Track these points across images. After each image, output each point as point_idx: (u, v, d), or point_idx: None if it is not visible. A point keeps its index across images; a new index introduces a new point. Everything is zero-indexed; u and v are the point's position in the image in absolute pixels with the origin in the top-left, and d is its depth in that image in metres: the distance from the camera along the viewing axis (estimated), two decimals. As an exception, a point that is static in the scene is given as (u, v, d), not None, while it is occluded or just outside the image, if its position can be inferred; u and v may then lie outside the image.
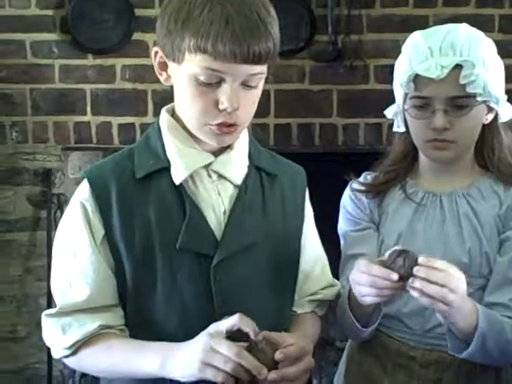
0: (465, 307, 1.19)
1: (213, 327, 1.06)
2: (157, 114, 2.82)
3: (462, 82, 1.26)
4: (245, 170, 1.19)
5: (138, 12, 2.57)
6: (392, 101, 2.59)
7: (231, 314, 1.12)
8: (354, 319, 1.30)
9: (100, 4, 2.55)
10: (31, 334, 2.74)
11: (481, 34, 1.33)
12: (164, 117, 1.18)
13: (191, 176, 1.15)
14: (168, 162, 1.15)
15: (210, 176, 1.17)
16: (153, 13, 2.54)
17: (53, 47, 2.60)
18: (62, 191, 2.71)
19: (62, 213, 2.67)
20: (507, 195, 1.36)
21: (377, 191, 1.42)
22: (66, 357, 1.16)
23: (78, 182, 2.77)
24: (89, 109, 2.64)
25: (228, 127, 1.10)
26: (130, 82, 2.62)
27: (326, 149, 2.68)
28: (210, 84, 1.07)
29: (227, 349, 1.01)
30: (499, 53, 1.36)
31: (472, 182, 1.38)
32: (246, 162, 1.20)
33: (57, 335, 1.15)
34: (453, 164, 1.37)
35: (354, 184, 1.45)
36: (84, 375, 2.84)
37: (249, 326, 1.05)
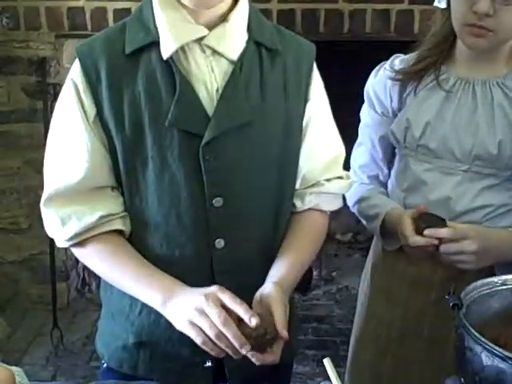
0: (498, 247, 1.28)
1: (213, 289, 1.04)
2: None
3: None
4: (242, 45, 1.11)
5: None
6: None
7: (222, 197, 1.10)
8: (383, 240, 1.39)
9: None
10: (33, 225, 2.76)
11: None
12: None
13: (183, 51, 1.08)
14: (158, 35, 1.08)
15: (203, 51, 1.09)
16: None
17: None
18: (58, 81, 2.62)
19: (58, 103, 2.61)
20: None
21: (410, 78, 1.36)
22: (70, 246, 1.15)
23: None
24: (82, -8, 2.51)
25: None
26: (125, -37, 2.47)
27: (331, 36, 2.57)
28: None
29: (215, 315, 1.00)
30: None
31: (509, 71, 1.32)
32: (245, 36, 1.11)
33: (56, 226, 1.13)
34: (490, 52, 1.30)
35: (386, 71, 1.40)
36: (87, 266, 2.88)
37: (248, 313, 1.01)
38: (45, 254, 2.71)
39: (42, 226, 1.16)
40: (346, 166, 1.32)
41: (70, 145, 1.11)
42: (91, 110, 1.10)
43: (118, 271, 1.14)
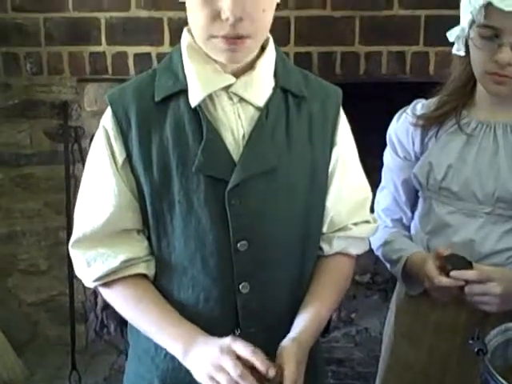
0: None
1: (227, 341, 1.04)
2: (173, 42, 2.73)
3: None
4: (268, 92, 1.13)
5: None
6: (416, 28, 2.53)
7: (247, 241, 1.11)
8: (404, 284, 1.40)
9: None
10: (52, 267, 2.76)
11: None
12: (185, 36, 1.13)
13: (211, 98, 1.11)
14: (186, 83, 1.10)
15: (230, 98, 1.11)
16: None
17: (65, -27, 2.50)
18: (79, 124, 2.66)
19: (79, 146, 2.65)
20: None
21: (431, 123, 1.38)
22: (97, 287, 1.18)
23: (94, 115, 2.72)
24: (103, 38, 2.56)
25: (235, 40, 1.04)
26: (145, 10, 2.52)
27: (347, 78, 2.60)
28: None
29: (232, 369, 1.00)
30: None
31: None
32: (271, 83, 1.13)
33: (83, 268, 1.16)
34: (510, 96, 1.31)
35: (408, 116, 1.41)
36: (105, 308, 2.88)
37: (264, 364, 1.01)
38: (63, 295, 2.71)
39: (61, 268, 1.19)
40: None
41: (98, 189, 1.14)
42: (120, 156, 1.12)
43: (142, 317, 1.15)
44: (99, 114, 2.86)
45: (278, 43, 2.59)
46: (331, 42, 2.57)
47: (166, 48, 2.53)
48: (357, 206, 1.23)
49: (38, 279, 2.80)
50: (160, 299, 1.15)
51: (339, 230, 1.21)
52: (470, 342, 0.97)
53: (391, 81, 2.62)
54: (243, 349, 1.01)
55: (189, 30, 1.13)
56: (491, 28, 1.24)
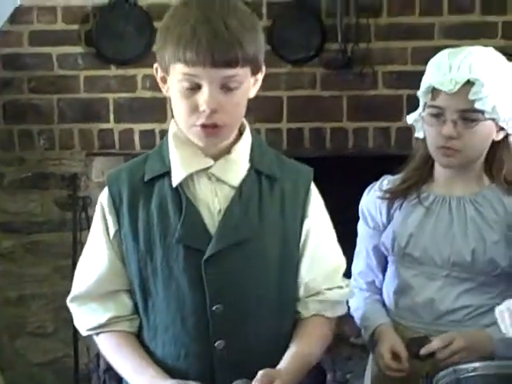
0: (479, 347, 1.39)
1: None
2: (176, 120, 2.87)
3: (471, 97, 1.38)
4: (243, 173, 1.29)
5: (157, 25, 2.67)
6: (399, 105, 2.72)
7: (222, 304, 1.25)
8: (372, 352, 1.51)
9: (122, 18, 2.67)
10: (58, 329, 2.86)
11: (502, 59, 1.45)
12: (172, 125, 1.32)
13: (192, 179, 1.28)
14: (170, 166, 1.28)
15: (209, 179, 1.28)
16: (171, 25, 2.66)
17: (78, 59, 2.73)
18: (87, 194, 2.84)
19: (86, 214, 2.80)
20: None
21: (396, 196, 1.55)
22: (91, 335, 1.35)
23: (101, 186, 2.89)
24: (112, 116, 2.77)
25: (210, 128, 1.22)
26: (149, 91, 2.73)
27: (336, 152, 2.78)
28: (192, 89, 1.20)
29: None
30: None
31: (480, 190, 1.50)
32: (246, 165, 1.30)
33: (77, 320, 1.35)
34: (463, 172, 1.50)
35: (376, 192, 1.58)
36: (107, 370, 2.97)
37: None
38: (68, 357, 2.82)
39: (67, 330, 1.38)
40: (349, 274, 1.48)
41: (93, 256, 1.33)
42: (113, 228, 1.30)
43: (120, 363, 1.32)
44: (105, 185, 3.03)
45: (272, 120, 2.77)
46: (321, 118, 2.76)
47: (168, 125, 2.67)
48: (330, 273, 1.35)
49: (44, 341, 2.90)
50: (137, 350, 1.31)
51: (314, 294, 1.34)
52: (423, 381, 1.11)
53: (378, 154, 2.81)
54: None
55: (175, 121, 1.31)
56: (437, 107, 1.44)
